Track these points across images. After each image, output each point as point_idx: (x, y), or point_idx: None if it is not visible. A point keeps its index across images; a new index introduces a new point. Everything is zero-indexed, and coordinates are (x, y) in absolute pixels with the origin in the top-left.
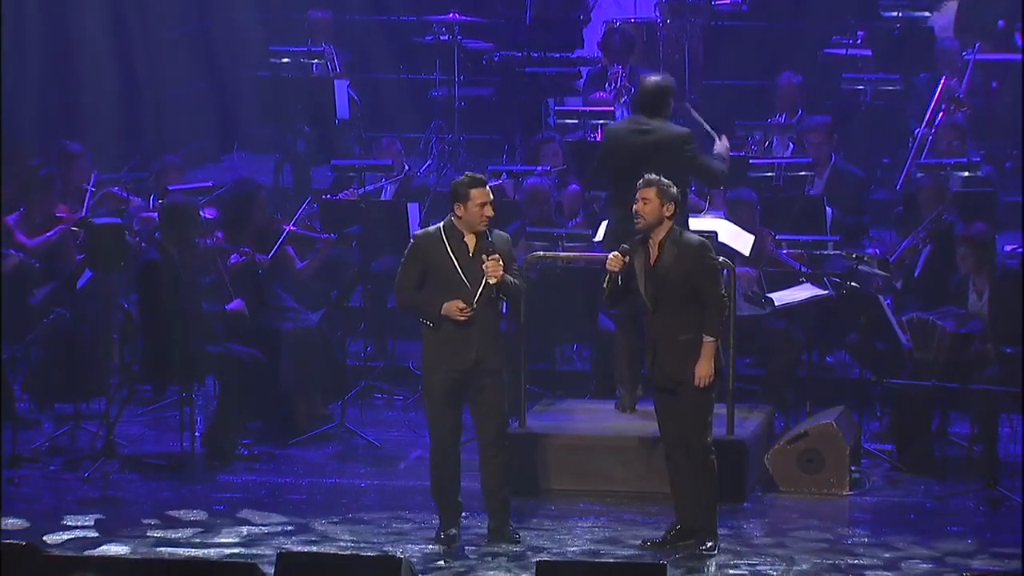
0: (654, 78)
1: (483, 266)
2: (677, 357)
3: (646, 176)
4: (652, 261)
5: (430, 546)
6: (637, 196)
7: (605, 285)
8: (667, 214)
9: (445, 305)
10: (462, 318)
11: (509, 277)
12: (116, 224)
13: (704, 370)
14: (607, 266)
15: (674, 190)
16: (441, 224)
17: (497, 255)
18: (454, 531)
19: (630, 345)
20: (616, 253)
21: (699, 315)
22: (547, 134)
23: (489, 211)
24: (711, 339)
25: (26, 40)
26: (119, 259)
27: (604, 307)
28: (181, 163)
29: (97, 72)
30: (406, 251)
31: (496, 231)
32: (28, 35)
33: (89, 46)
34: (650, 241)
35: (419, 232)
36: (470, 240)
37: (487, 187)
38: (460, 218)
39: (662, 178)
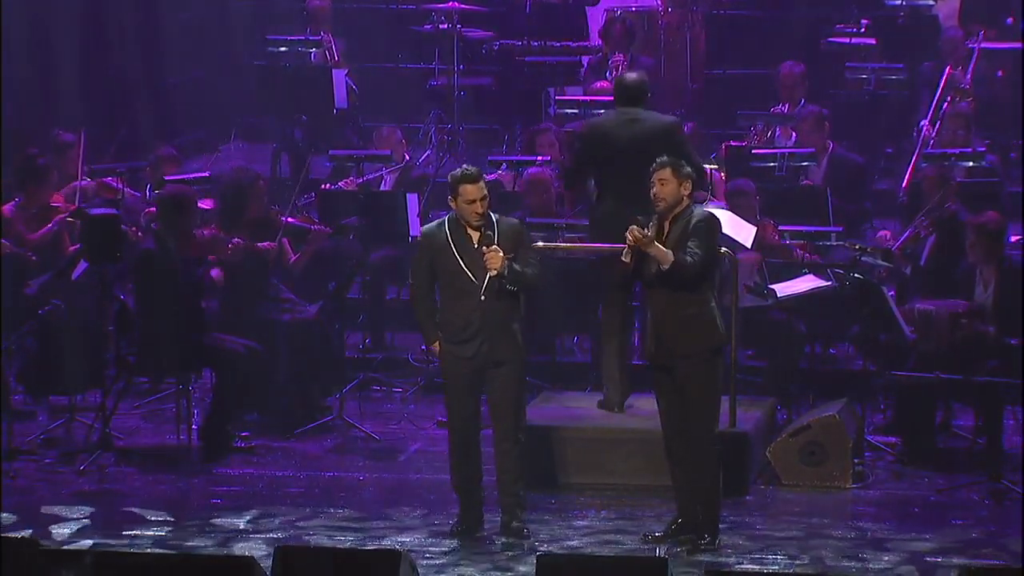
0: (631, 73)
1: (483, 258)
2: (679, 332)
3: (659, 159)
4: (664, 237)
5: (429, 539)
6: (653, 179)
7: (625, 258)
8: (685, 192)
9: (433, 347)
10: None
11: (516, 267)
12: (112, 215)
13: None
14: (627, 237)
15: (687, 169)
16: (446, 217)
17: (496, 246)
18: (472, 525)
19: (620, 343)
20: (633, 226)
21: (701, 290)
22: (543, 124)
23: (479, 208)
24: (673, 259)
25: (22, 29)
26: (115, 250)
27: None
28: (177, 153)
29: (94, 61)
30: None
31: (506, 219)
32: (24, 24)
33: (87, 34)
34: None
35: (425, 227)
36: (474, 233)
37: (480, 183)
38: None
39: (673, 158)
